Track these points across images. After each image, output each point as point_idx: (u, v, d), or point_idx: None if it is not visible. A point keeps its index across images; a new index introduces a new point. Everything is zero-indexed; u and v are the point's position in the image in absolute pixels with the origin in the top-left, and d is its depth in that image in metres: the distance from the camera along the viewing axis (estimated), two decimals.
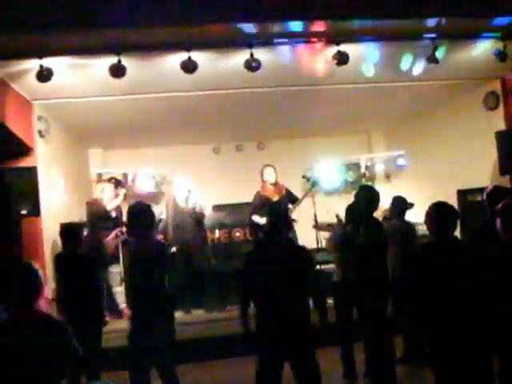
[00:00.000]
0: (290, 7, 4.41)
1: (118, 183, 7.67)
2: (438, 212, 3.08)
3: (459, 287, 2.86)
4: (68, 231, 4.67)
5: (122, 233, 6.02)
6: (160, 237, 6.89)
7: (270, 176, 6.47)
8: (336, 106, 6.99)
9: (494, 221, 3.19)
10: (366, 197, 4.30)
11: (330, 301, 6.22)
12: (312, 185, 6.78)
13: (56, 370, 2.33)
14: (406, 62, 5.50)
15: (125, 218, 6.36)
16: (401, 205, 5.34)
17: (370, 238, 4.11)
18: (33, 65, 4.65)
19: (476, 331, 2.85)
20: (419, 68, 5.58)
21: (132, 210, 3.91)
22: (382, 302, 4.20)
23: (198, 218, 6.38)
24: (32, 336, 2.32)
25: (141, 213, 3.84)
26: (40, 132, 5.90)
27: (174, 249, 6.36)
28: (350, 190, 8.57)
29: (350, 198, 8.34)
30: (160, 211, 6.74)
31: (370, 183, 7.63)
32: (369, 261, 4.08)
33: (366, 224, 4.20)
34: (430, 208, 3.13)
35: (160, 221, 6.63)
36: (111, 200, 6.21)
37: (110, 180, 7.21)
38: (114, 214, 6.28)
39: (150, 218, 3.86)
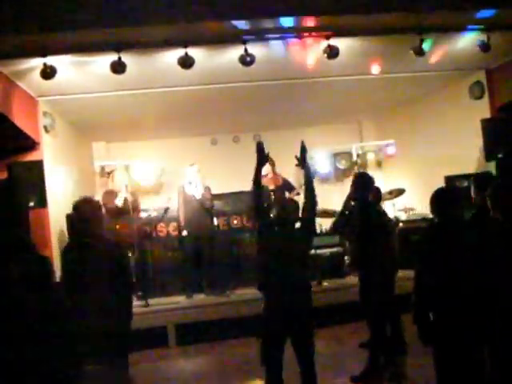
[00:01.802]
0: (283, 3, 4.59)
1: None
2: (446, 195, 3.17)
3: (466, 270, 2.88)
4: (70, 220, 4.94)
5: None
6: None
7: None
8: (328, 97, 7.13)
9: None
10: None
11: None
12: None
13: None
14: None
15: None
16: None
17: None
18: (37, 63, 4.79)
19: (481, 315, 2.84)
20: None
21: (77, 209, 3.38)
22: (390, 277, 4.42)
23: (205, 206, 6.57)
24: None
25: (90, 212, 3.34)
26: (45, 127, 6.03)
27: (184, 232, 6.67)
28: (342, 178, 8.84)
29: (342, 185, 8.64)
30: (168, 199, 6.94)
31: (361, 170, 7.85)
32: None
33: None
34: (436, 192, 3.18)
35: (167, 209, 6.84)
36: (122, 186, 6.41)
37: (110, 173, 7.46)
38: (120, 204, 6.46)
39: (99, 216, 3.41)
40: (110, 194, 6.49)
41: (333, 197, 8.57)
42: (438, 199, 3.15)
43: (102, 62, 4.87)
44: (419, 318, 3.01)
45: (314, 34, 5.06)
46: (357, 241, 4.57)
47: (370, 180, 4.69)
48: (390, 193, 7.47)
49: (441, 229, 3.11)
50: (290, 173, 7.46)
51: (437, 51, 5.65)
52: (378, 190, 4.95)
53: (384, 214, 4.94)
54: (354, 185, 4.61)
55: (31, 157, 5.76)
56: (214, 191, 7.04)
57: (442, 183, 6.61)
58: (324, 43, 5.06)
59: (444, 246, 2.99)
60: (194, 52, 4.85)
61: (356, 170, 8.23)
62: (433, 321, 2.98)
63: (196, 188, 6.61)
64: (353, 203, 4.66)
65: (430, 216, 3.38)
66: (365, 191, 4.55)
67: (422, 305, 3.01)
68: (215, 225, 6.85)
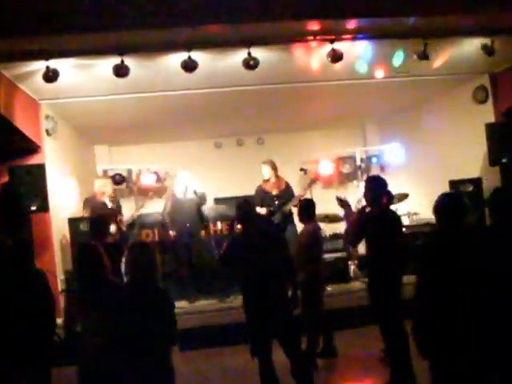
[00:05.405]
0: (286, 7, 4.59)
1: (121, 180, 7.89)
2: (450, 202, 2.97)
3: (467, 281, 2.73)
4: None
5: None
6: None
7: (264, 172, 6.77)
8: (331, 101, 7.15)
9: None
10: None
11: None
12: (311, 181, 6.97)
13: None
14: (397, 59, 5.62)
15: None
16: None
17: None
18: (39, 66, 4.79)
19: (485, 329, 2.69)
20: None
21: None
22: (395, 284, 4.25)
23: (197, 207, 6.53)
24: None
25: None
26: (47, 131, 6.02)
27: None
28: (346, 182, 8.80)
29: (345, 190, 8.61)
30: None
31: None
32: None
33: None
34: (439, 198, 3.01)
35: (140, 215, 6.77)
36: (110, 196, 6.30)
37: (111, 177, 7.40)
38: (110, 205, 6.36)
39: None
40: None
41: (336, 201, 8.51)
42: (444, 207, 2.98)
43: (105, 65, 4.86)
44: (419, 329, 2.87)
45: (318, 37, 5.04)
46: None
47: (385, 183, 4.54)
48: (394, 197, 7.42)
49: (445, 237, 2.95)
50: (292, 176, 7.44)
51: (440, 55, 5.62)
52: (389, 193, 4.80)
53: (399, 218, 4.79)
54: (368, 188, 4.47)
55: (33, 160, 5.74)
56: (218, 195, 7.01)
57: (446, 187, 6.58)
58: (328, 47, 5.04)
59: (447, 256, 2.84)
60: (197, 55, 4.84)
61: (359, 174, 8.19)
62: (432, 333, 2.82)
63: (187, 192, 6.57)
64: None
65: (435, 221, 3.30)
66: (380, 194, 4.38)
67: (422, 315, 2.87)
68: (208, 230, 6.80)
